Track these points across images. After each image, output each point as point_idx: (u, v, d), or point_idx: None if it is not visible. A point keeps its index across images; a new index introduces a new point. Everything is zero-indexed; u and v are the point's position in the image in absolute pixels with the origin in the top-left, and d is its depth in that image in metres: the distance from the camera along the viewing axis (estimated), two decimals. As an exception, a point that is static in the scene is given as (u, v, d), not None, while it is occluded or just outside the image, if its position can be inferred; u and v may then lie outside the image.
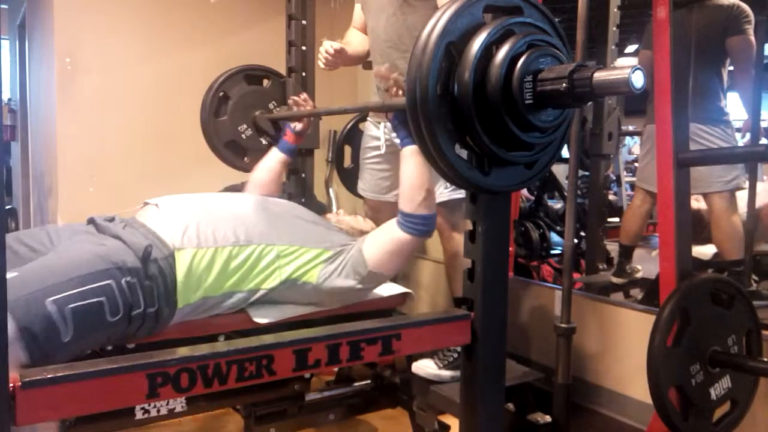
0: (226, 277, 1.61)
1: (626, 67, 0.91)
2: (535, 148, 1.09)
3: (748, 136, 3.07)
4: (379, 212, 2.20)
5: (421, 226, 1.69)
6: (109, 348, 1.50)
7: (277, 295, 1.72)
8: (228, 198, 1.85)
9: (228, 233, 1.64)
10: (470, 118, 1.00)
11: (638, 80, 0.91)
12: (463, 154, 1.08)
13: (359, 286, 1.74)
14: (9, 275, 1.26)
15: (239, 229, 1.67)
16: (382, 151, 2.12)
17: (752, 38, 2.53)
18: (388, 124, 1.91)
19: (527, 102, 0.99)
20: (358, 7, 2.26)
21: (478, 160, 1.08)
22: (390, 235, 1.72)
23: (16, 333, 1.20)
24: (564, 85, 0.96)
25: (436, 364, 1.96)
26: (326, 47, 2.06)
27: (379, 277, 1.77)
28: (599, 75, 0.94)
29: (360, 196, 2.34)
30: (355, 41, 2.24)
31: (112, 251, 1.44)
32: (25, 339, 1.22)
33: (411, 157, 1.70)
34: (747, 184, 2.81)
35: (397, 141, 1.80)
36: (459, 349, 1.93)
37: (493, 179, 1.08)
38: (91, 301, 1.35)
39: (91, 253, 1.42)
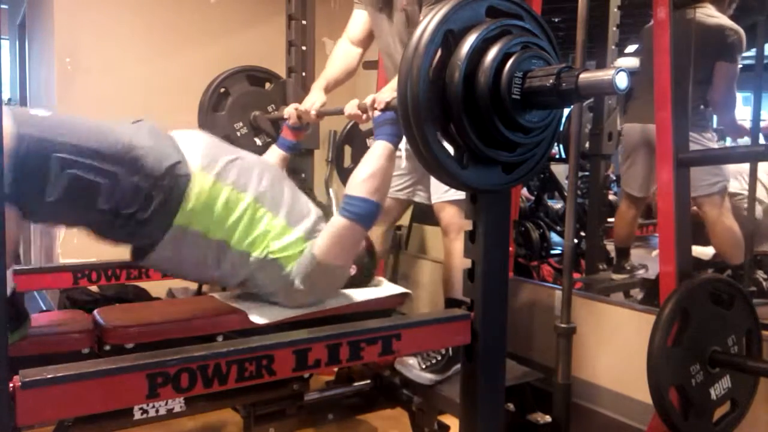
0: (227, 223, 1.57)
1: (610, 69, 0.93)
2: (516, 149, 1.09)
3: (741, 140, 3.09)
4: (387, 213, 2.16)
5: (351, 207, 1.61)
6: (108, 348, 1.51)
7: (259, 271, 1.65)
8: (260, 160, 1.84)
9: (247, 185, 1.63)
10: (457, 106, 1.01)
11: (622, 82, 0.93)
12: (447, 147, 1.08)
13: (301, 286, 1.64)
14: (43, 113, 1.31)
15: (257, 186, 1.65)
16: None
17: (738, 67, 2.59)
18: None
19: (514, 97, 1.00)
20: (359, 13, 2.18)
21: (458, 153, 1.07)
22: (331, 221, 1.68)
23: (14, 142, 1.20)
24: (551, 81, 0.97)
25: (419, 363, 1.93)
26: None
27: (328, 271, 1.66)
28: (585, 75, 0.96)
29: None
30: (334, 68, 2.19)
31: (140, 146, 1.42)
32: (15, 170, 1.21)
33: (376, 150, 1.68)
34: (739, 187, 2.84)
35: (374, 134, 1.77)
36: (443, 352, 1.92)
37: (470, 174, 1.08)
38: (93, 179, 1.32)
39: (122, 135, 1.40)
